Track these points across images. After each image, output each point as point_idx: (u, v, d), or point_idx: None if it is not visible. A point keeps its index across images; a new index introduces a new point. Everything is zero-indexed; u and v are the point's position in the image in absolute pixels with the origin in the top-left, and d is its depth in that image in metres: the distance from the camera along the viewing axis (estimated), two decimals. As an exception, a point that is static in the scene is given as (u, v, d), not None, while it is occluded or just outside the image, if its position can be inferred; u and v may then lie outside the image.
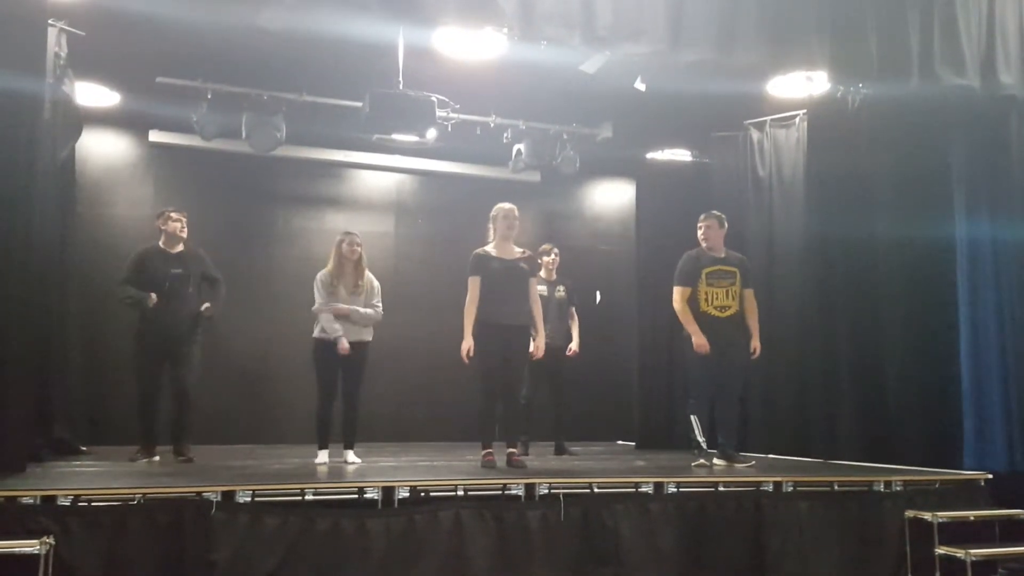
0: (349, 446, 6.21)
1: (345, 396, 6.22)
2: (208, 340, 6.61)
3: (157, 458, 6.09)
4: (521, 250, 5.92)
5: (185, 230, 6.39)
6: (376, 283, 6.37)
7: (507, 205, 5.85)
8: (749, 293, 6.30)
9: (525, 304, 5.81)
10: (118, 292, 6.29)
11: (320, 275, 6.24)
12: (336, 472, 5.48)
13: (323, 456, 6.05)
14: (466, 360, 5.62)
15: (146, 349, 6.22)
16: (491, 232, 5.87)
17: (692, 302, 6.19)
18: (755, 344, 6.22)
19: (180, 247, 6.38)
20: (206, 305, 6.35)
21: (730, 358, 6.12)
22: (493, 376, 5.67)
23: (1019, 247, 6.26)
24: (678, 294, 6.21)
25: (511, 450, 5.71)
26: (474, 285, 5.71)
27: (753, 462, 6.19)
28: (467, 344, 5.61)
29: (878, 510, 5.20)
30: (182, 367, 6.21)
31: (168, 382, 6.25)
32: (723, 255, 6.29)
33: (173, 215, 6.36)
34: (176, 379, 6.22)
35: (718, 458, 6.17)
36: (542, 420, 7.40)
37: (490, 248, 5.83)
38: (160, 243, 6.36)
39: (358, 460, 6.10)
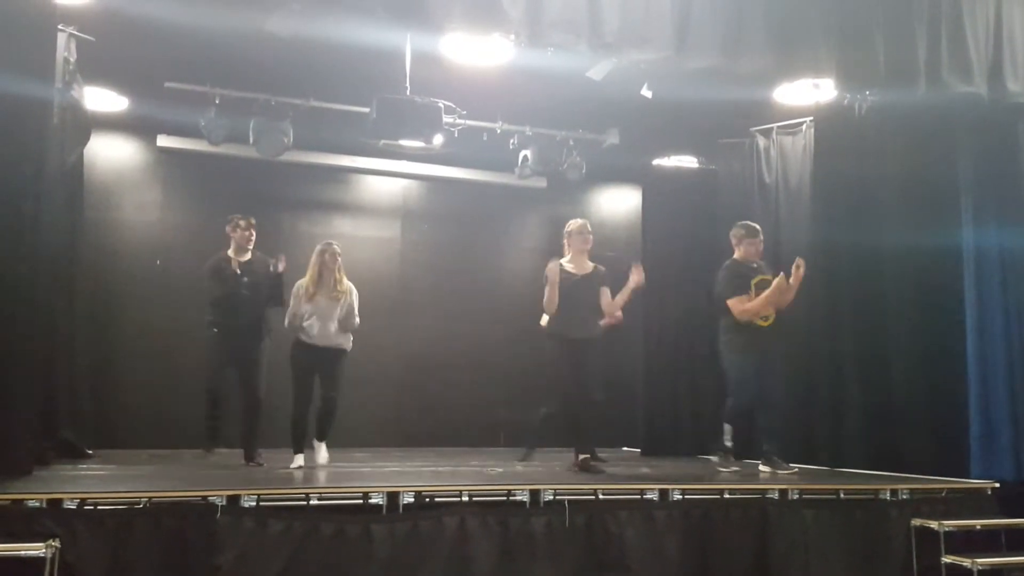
0: (322, 438, 6.26)
1: (324, 400, 6.26)
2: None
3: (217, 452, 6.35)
4: (593, 264, 6.12)
5: (253, 238, 6.49)
6: (354, 290, 6.35)
7: (580, 221, 6.12)
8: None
9: (597, 316, 6.06)
10: (207, 313, 6.53)
11: (299, 284, 6.27)
12: (341, 477, 5.49)
13: (299, 460, 6.08)
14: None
15: (213, 353, 6.48)
16: (566, 247, 6.10)
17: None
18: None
19: (247, 255, 6.49)
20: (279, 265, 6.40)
21: (770, 366, 6.19)
22: (567, 385, 5.89)
23: (1027, 254, 6.25)
24: (738, 303, 6.17)
25: (583, 456, 5.87)
26: (553, 288, 5.90)
27: (796, 470, 6.16)
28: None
29: (884, 518, 5.19)
30: (252, 376, 6.38)
31: (239, 391, 6.42)
32: (762, 265, 6.39)
33: (241, 223, 6.49)
34: (247, 389, 6.39)
35: (763, 465, 6.25)
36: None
37: (566, 262, 6.03)
38: (229, 251, 6.46)
39: (326, 455, 6.18)
